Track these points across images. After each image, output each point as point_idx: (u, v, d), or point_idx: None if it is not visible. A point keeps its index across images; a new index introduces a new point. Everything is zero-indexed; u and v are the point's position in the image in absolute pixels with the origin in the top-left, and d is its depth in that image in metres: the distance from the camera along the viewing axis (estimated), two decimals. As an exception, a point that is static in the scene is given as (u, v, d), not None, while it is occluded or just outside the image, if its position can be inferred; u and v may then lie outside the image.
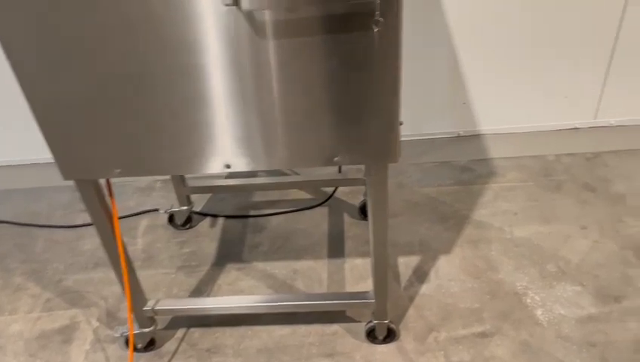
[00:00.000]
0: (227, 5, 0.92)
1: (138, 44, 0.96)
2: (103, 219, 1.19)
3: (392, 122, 1.06)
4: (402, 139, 2.01)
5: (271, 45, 0.97)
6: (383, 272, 1.29)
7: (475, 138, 2.03)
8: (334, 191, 1.90)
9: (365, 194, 1.82)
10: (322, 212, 1.85)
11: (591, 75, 1.88)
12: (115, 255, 1.24)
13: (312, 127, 1.06)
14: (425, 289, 1.53)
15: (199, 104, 1.03)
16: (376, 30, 0.94)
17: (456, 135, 2.03)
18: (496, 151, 2.02)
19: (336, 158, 1.10)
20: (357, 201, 1.85)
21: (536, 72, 1.87)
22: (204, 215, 1.87)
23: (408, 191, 1.89)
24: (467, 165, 1.99)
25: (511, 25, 1.77)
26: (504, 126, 1.99)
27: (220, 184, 1.79)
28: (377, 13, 0.92)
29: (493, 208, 1.78)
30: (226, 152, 1.09)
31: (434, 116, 1.98)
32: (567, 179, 1.86)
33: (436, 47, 1.83)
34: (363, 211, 1.80)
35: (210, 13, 0.93)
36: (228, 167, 1.11)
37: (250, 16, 0.93)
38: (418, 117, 1.98)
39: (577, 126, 1.98)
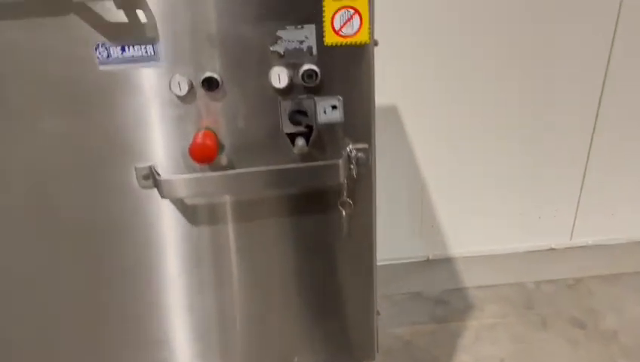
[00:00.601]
0: (145, 188, 0.69)
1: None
2: None
3: (366, 313, 0.83)
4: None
5: (211, 231, 0.74)
6: None
7: (446, 262, 1.84)
8: None
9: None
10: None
11: (564, 194, 1.76)
12: None
13: (271, 322, 0.82)
14: None
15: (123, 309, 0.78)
16: (344, 214, 0.73)
17: (425, 259, 1.84)
18: (470, 278, 1.83)
19: (295, 359, 0.85)
20: None
21: (508, 192, 1.73)
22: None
23: (380, 333, 1.64)
24: (441, 297, 1.78)
25: (481, 145, 1.64)
26: (476, 248, 1.82)
27: None
28: (345, 194, 0.72)
29: (476, 353, 1.55)
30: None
31: (401, 240, 1.79)
32: (552, 312, 1.67)
33: (401, 167, 1.67)
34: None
35: (135, 197, 0.71)
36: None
37: (181, 202, 0.71)
38: (384, 241, 1.77)
39: (553, 247, 1.84)
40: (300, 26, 0.62)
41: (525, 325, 1.64)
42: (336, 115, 0.67)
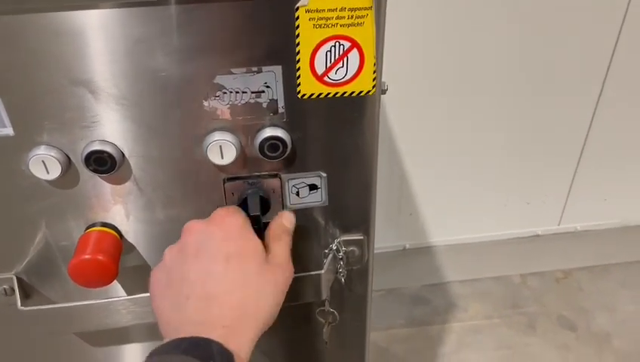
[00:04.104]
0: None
1: None
2: None
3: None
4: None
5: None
6: None
7: (425, 252, 1.66)
8: None
9: None
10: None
11: (557, 178, 1.58)
12: None
13: None
14: None
15: None
16: (326, 325, 0.50)
17: (402, 248, 1.65)
18: (451, 271, 1.66)
19: None
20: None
21: (495, 177, 1.54)
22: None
23: (350, 341, 1.47)
24: (419, 294, 1.61)
25: (466, 126, 1.42)
26: (457, 236, 1.64)
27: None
28: (327, 303, 0.48)
29: (459, 362, 1.40)
30: None
31: (376, 229, 1.59)
32: (540, 311, 1.53)
33: (380, 153, 1.43)
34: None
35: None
36: None
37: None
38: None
39: (539, 233, 1.68)
40: (255, 69, 0.35)
41: (511, 327, 1.49)
42: (317, 198, 0.42)
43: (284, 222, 0.40)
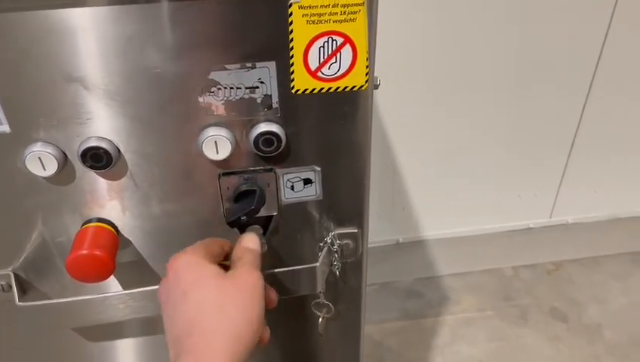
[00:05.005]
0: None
1: None
2: None
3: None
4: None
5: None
6: None
7: (418, 246, 1.67)
8: None
9: None
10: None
11: (548, 171, 1.60)
12: None
13: None
14: None
15: None
16: (321, 318, 0.50)
17: (395, 242, 1.67)
18: (444, 264, 1.68)
19: None
20: None
21: (487, 170, 1.55)
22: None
23: (345, 334, 1.48)
24: (413, 287, 1.62)
25: (458, 122, 1.43)
26: (450, 230, 1.66)
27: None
28: (322, 296, 0.48)
29: (452, 355, 1.41)
30: None
31: (370, 223, 1.60)
32: (532, 303, 1.55)
33: (372, 148, 1.44)
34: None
35: None
36: None
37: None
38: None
39: (531, 226, 1.70)
40: (249, 65, 0.35)
41: (503, 319, 1.51)
42: (311, 192, 0.42)
43: (244, 245, 0.40)
